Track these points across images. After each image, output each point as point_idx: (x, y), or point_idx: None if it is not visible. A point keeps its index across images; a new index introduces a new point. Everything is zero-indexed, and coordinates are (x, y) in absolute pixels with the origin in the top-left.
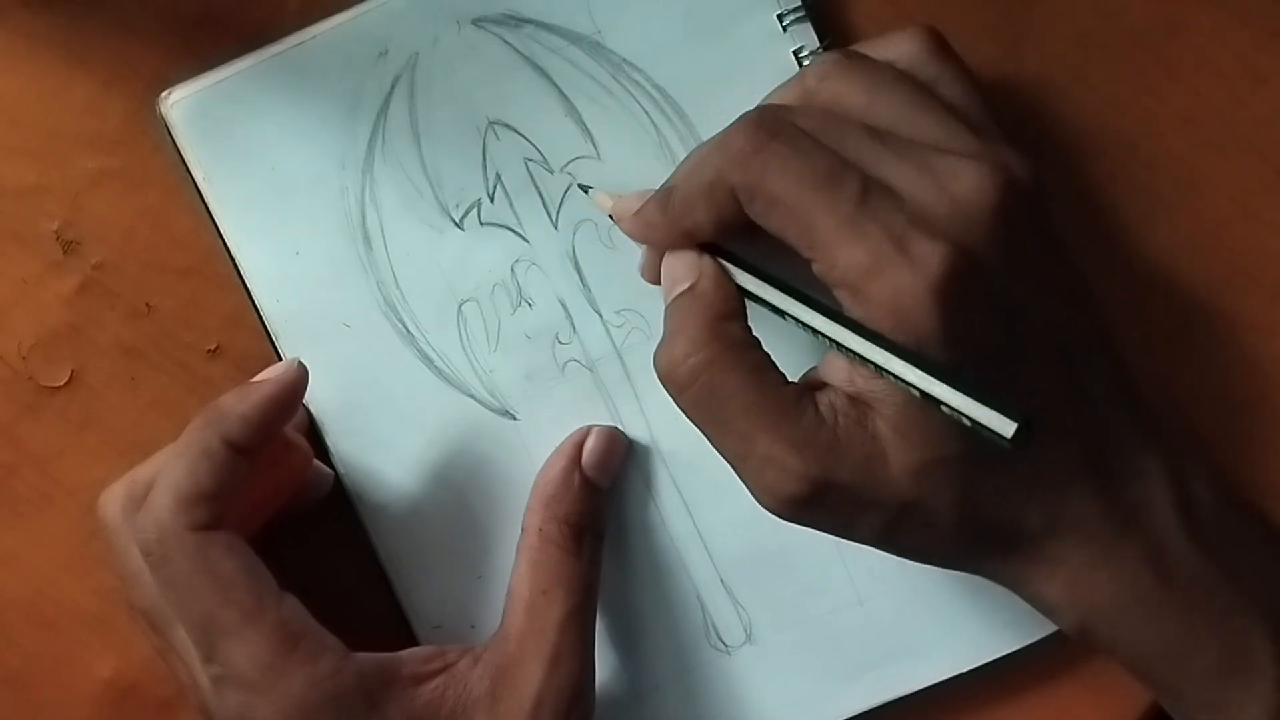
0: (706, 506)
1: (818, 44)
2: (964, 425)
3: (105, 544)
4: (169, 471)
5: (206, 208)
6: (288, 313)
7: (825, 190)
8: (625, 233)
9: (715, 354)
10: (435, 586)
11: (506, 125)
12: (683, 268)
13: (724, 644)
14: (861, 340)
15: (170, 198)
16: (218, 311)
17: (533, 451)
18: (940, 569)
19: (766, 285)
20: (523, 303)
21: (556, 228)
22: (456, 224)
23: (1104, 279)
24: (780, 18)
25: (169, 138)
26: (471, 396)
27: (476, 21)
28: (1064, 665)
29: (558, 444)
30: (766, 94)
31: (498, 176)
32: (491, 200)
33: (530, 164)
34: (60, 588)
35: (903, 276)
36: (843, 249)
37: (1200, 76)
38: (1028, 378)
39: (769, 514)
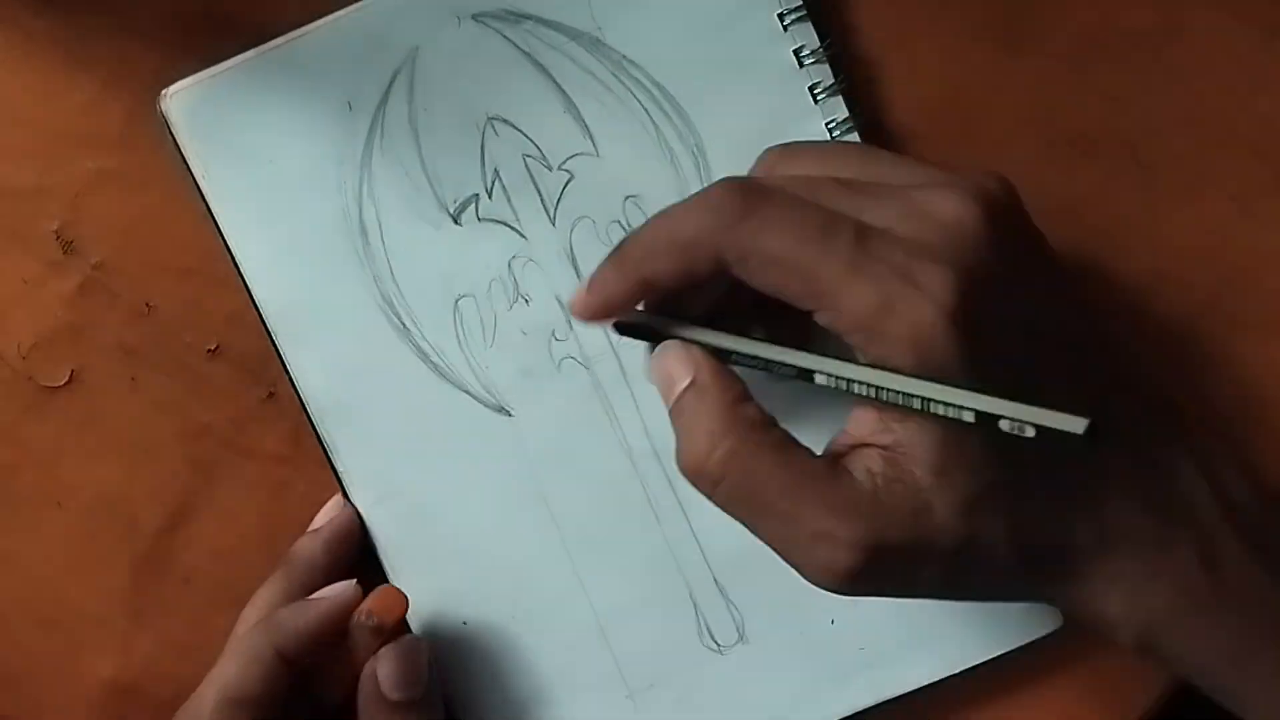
0: (701, 506)
1: (818, 43)
2: (1013, 441)
3: None
4: (220, 667)
5: (205, 201)
6: (285, 306)
7: (821, 241)
8: (579, 315)
9: (738, 441)
10: (429, 581)
11: (505, 121)
12: (678, 364)
13: (717, 644)
14: (902, 379)
15: (170, 198)
16: (218, 311)
17: (526, 448)
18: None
19: (783, 350)
20: (519, 299)
21: (554, 224)
22: (454, 219)
23: (1104, 279)
24: (781, 17)
25: (168, 132)
26: (467, 392)
27: (477, 17)
28: (1064, 665)
29: (551, 440)
30: (765, 91)
31: (496, 172)
32: (489, 196)
33: (529, 160)
34: (60, 588)
35: (916, 308)
36: (849, 294)
37: (1201, 77)
38: (1051, 388)
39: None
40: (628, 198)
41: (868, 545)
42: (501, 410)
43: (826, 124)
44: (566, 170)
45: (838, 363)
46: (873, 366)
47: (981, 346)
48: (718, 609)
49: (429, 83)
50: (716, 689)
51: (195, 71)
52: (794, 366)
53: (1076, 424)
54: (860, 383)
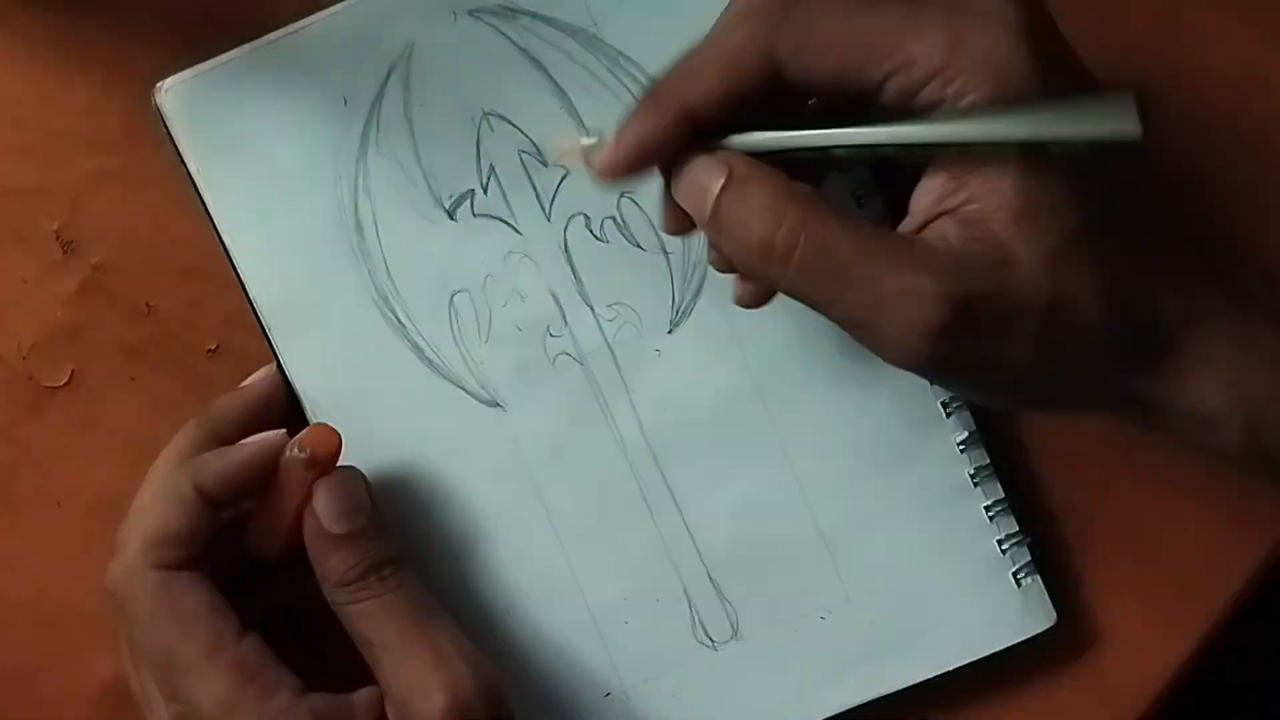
0: (695, 502)
1: None
2: (1089, 184)
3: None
4: (144, 513)
5: (200, 195)
6: (279, 301)
7: (873, 2)
8: (608, 175)
9: (805, 208)
10: (421, 576)
11: (501, 117)
12: (706, 169)
13: (711, 640)
14: (949, 124)
15: (170, 198)
16: (218, 311)
17: (521, 444)
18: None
19: (825, 131)
20: (514, 295)
21: (549, 220)
22: (449, 215)
23: None
24: None
25: (164, 127)
26: (461, 388)
27: (473, 12)
28: (1064, 665)
29: (546, 436)
30: None
31: (491, 168)
32: (485, 192)
33: (524, 156)
34: (61, 588)
35: (986, 34)
36: (914, 42)
37: (1201, 77)
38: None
39: (757, 509)
40: (623, 194)
41: (956, 297)
42: (496, 405)
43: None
44: (562, 166)
45: (874, 128)
46: (906, 122)
47: (1058, 65)
48: (712, 605)
49: (425, 78)
50: (711, 685)
51: None
52: (829, 146)
53: (1127, 116)
54: (905, 145)
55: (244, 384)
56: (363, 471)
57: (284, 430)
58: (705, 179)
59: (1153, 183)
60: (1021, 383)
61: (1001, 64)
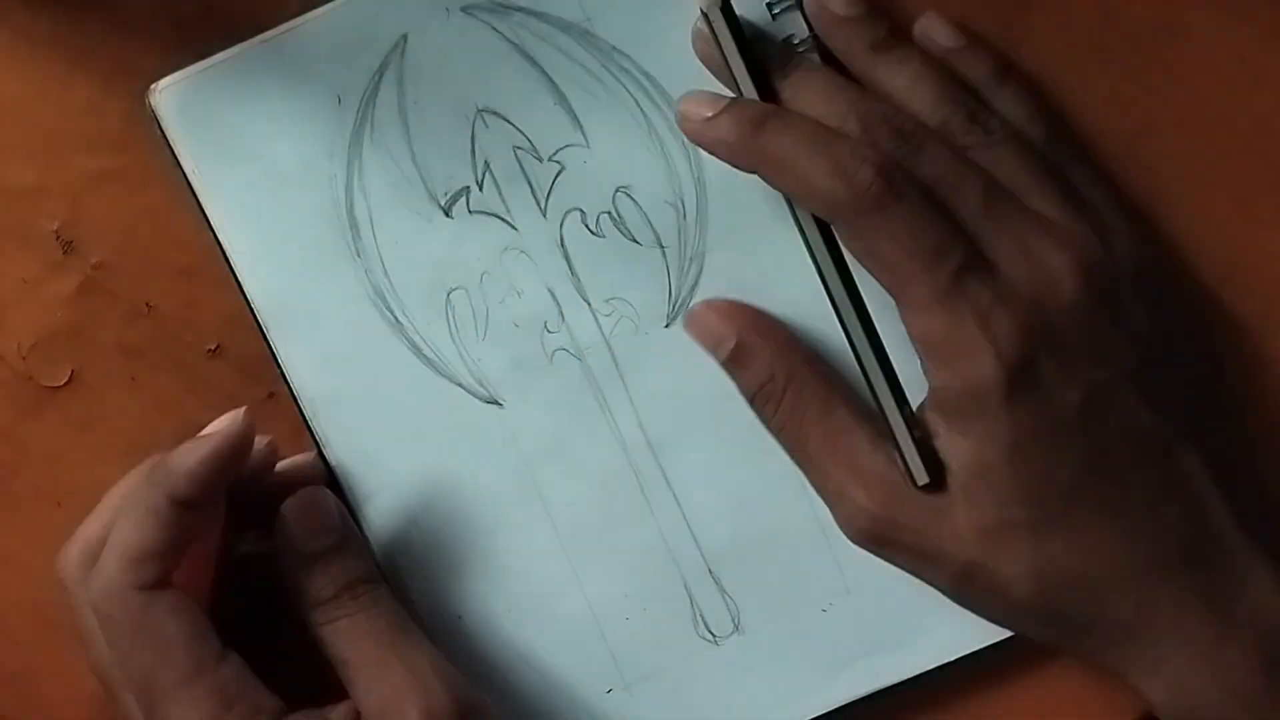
0: (694, 497)
1: (807, 32)
2: (1043, 487)
3: (66, 604)
4: (117, 531)
5: (195, 196)
6: (276, 300)
7: (928, 263)
8: (694, 132)
9: (794, 399)
10: (423, 574)
11: (495, 113)
12: (723, 325)
13: (712, 634)
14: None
15: (170, 198)
16: (218, 311)
17: (520, 440)
18: None
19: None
20: (511, 291)
21: (545, 216)
22: (445, 212)
23: None
24: (770, 6)
25: (158, 129)
26: (459, 385)
27: (466, 8)
28: (1064, 664)
29: (545, 432)
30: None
31: (486, 164)
32: (480, 188)
33: (519, 152)
34: (61, 588)
35: (979, 354)
36: (931, 316)
37: (1200, 76)
38: (1111, 462)
39: (757, 503)
40: (618, 188)
41: (880, 517)
42: (494, 403)
43: None
44: (557, 162)
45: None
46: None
47: (1031, 408)
48: (713, 600)
49: (418, 75)
50: (712, 680)
51: None
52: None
53: (920, 475)
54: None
55: (204, 433)
56: (331, 493)
57: (244, 408)
58: (722, 330)
59: (1172, 476)
60: (948, 595)
61: (976, 385)
